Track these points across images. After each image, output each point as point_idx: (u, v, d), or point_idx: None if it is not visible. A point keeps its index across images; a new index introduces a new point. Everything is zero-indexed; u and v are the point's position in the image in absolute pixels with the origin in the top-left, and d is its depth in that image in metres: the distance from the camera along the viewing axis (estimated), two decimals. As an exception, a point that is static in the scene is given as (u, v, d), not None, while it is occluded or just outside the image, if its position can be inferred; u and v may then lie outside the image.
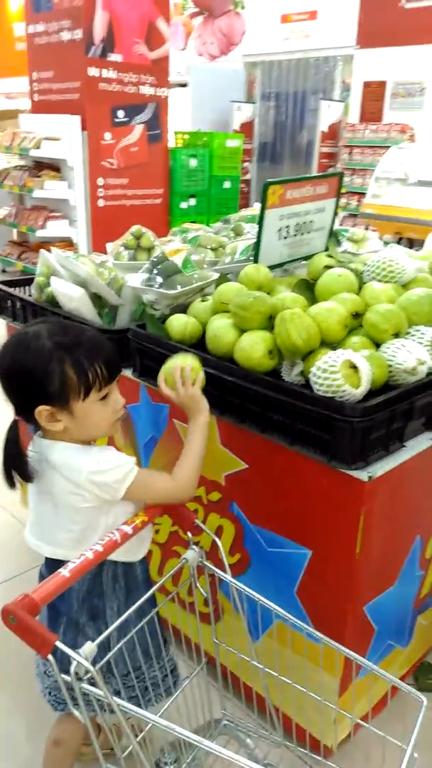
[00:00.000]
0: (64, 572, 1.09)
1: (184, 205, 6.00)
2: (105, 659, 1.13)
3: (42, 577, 1.41)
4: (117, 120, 5.41)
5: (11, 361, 1.23)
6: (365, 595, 1.61)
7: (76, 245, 5.81)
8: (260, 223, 1.91)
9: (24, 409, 1.25)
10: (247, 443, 1.67)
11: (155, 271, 1.92)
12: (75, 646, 1.01)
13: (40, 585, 1.05)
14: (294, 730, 1.67)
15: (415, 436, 1.58)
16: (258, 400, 1.55)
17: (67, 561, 1.12)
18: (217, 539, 1.36)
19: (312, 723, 1.60)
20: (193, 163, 5.96)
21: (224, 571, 1.34)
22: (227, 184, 6.22)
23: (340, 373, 1.36)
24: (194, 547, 1.33)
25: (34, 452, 1.29)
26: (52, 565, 1.14)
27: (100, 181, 5.53)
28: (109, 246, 2.20)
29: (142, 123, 5.56)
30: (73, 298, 1.94)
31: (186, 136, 6.25)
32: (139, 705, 1.24)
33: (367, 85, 6.91)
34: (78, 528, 1.28)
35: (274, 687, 1.42)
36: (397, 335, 1.56)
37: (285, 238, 2.04)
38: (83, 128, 5.24)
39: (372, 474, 1.42)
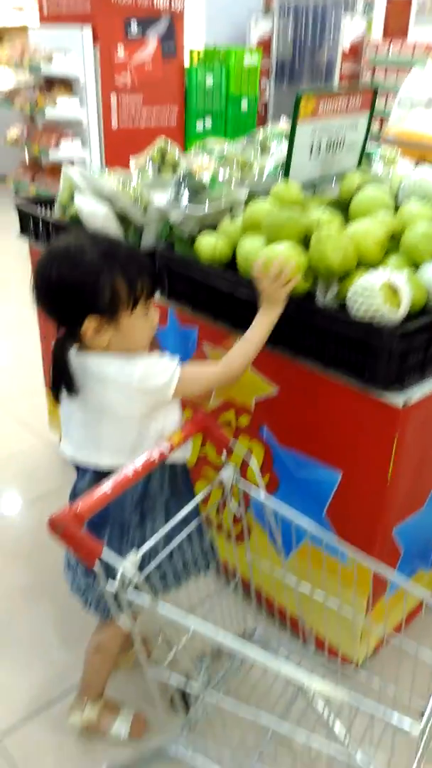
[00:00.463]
0: (106, 488, 1.10)
1: (199, 126, 5.79)
2: (151, 566, 1.15)
3: (75, 493, 1.43)
4: (130, 33, 5.15)
5: (59, 275, 1.21)
6: (394, 518, 1.63)
7: (90, 167, 5.63)
8: (291, 137, 1.83)
9: (70, 323, 1.25)
10: (279, 367, 1.65)
11: (182, 190, 1.86)
12: (120, 553, 1.03)
13: (83, 498, 1.06)
14: (326, 647, 1.73)
15: (450, 362, 1.56)
16: (292, 323, 1.52)
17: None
18: (251, 458, 1.37)
19: (340, 639, 1.65)
20: (209, 81, 5.71)
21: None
22: (244, 105, 5.98)
23: (380, 295, 1.33)
24: (230, 466, 1.34)
25: (74, 367, 1.29)
26: (98, 478, 1.15)
27: (113, 100, 5.33)
28: (133, 162, 2.12)
29: (156, 37, 5.30)
30: (98, 216, 1.89)
31: (201, 54, 5.96)
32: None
33: (391, -1, 6.52)
34: (131, 437, 1.31)
35: (303, 603, 1.45)
36: (436, 257, 1.51)
37: (317, 154, 1.96)
38: (95, 41, 5.00)
39: (407, 399, 1.41)
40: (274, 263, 1.40)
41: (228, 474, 1.33)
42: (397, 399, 1.40)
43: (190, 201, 1.84)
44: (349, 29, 6.63)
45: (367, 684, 1.34)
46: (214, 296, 1.70)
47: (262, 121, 6.95)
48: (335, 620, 1.53)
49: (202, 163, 1.92)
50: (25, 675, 1.84)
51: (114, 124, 5.41)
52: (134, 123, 5.52)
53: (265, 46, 7.24)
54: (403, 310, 1.35)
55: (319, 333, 1.48)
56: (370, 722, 1.27)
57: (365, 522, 1.60)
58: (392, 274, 1.36)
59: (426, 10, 6.33)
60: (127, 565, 1.02)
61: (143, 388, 1.26)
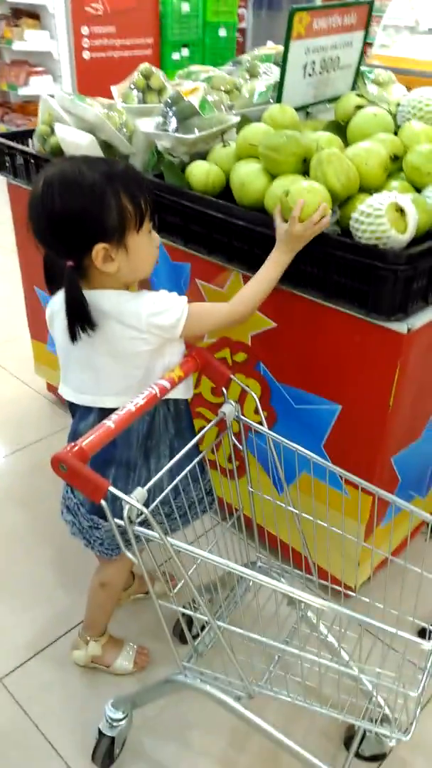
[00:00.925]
0: (109, 423, 1.06)
1: (176, 56, 5.55)
2: (156, 501, 1.14)
3: (76, 434, 1.39)
4: None
5: (62, 202, 1.15)
6: (393, 447, 1.62)
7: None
8: (284, 56, 1.73)
9: (77, 253, 1.18)
10: (275, 301, 1.59)
11: (170, 114, 1.76)
12: (126, 492, 1.00)
13: (87, 435, 1.03)
14: (329, 578, 1.74)
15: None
16: (291, 252, 1.47)
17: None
18: (252, 392, 1.34)
19: (337, 566, 1.66)
20: (185, 7, 5.45)
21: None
22: (223, 32, 5.72)
23: (386, 217, 1.28)
24: (230, 401, 1.31)
25: None
26: (103, 417, 1.11)
27: (85, 30, 5.06)
28: (115, 89, 2.01)
29: (128, -41, 5.01)
30: (81, 146, 1.79)
31: (176, -23, 5.65)
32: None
33: None
34: (139, 372, 1.28)
35: (305, 531, 1.45)
36: (440, 179, 1.46)
37: (310, 75, 1.86)
38: (63, -35, 4.72)
39: (411, 326, 1.38)
40: (301, 203, 1.33)
41: (229, 409, 1.29)
42: (401, 326, 1.37)
43: (179, 126, 1.75)
44: None
45: (369, 605, 1.36)
46: (209, 228, 1.63)
47: (242, 50, 6.68)
48: (335, 548, 1.54)
49: (190, 86, 1.81)
50: (26, 617, 1.84)
51: (86, 56, 5.16)
52: (107, 54, 5.27)
53: (241, -31, 6.88)
54: (409, 234, 1.30)
55: (321, 261, 1.42)
56: (374, 643, 1.28)
57: (364, 452, 1.59)
58: (398, 195, 1.30)
59: None
60: (135, 499, 0.99)
61: (152, 324, 1.22)
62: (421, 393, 1.60)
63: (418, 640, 0.98)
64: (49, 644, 1.77)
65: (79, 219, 1.15)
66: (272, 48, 2.37)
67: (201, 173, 1.63)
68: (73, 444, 1.00)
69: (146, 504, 1.02)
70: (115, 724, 1.41)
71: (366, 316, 1.40)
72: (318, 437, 1.67)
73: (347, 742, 1.51)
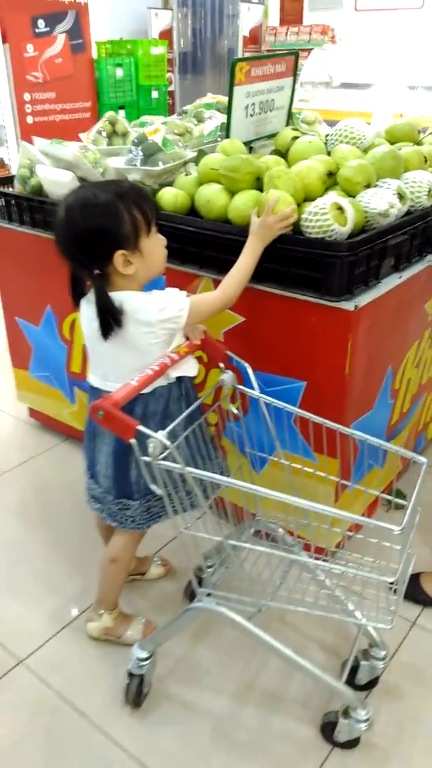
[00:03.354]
0: (133, 382, 1.31)
1: (114, 118, 5.95)
2: (176, 443, 1.36)
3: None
4: (38, 30, 5.27)
5: (84, 222, 1.39)
6: (352, 416, 1.90)
7: (8, 166, 5.72)
8: (229, 100, 2.07)
9: (100, 261, 1.41)
10: (243, 298, 1.87)
11: (137, 152, 2.06)
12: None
13: (117, 390, 1.27)
14: (312, 548, 1.97)
15: (387, 276, 1.84)
16: (254, 253, 1.76)
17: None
18: (245, 364, 1.59)
19: (315, 533, 1.90)
20: (119, 72, 5.89)
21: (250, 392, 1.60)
22: (155, 94, 6.18)
23: (330, 214, 1.59)
24: (228, 371, 1.56)
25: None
26: None
27: (27, 97, 5.42)
28: (83, 135, 2.31)
29: (64, 32, 5.43)
30: (63, 183, 2.06)
31: (108, 46, 6.12)
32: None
33: (284, -14, 6.88)
34: (151, 361, 1.48)
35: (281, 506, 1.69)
36: (368, 186, 1.79)
37: (251, 116, 2.21)
38: (4, 41, 5.09)
39: (357, 304, 1.68)
40: (272, 203, 1.62)
41: (228, 376, 1.55)
42: (349, 305, 1.67)
43: (146, 161, 2.05)
44: (248, 16, 6.94)
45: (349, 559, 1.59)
46: (181, 242, 1.92)
47: (172, 110, 7.17)
48: (314, 515, 1.78)
49: (152, 127, 2.12)
50: (40, 603, 2.01)
51: (30, 120, 5.51)
52: (49, 118, 5.63)
53: (167, 38, 7.45)
54: (349, 226, 1.61)
55: (280, 257, 1.72)
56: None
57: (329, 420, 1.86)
58: (336, 197, 1.62)
59: (317, -3, 6.72)
60: (160, 435, 1.23)
61: (162, 318, 1.45)
62: (370, 365, 1.89)
63: (389, 526, 1.22)
64: (66, 624, 1.94)
65: (100, 233, 1.39)
66: (213, 97, 2.74)
67: (170, 197, 1.92)
68: (107, 395, 1.24)
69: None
70: (142, 663, 1.60)
71: (320, 299, 1.70)
72: (288, 413, 1.93)
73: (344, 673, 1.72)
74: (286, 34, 6.74)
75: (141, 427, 1.22)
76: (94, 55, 5.92)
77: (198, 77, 8.07)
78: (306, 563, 1.52)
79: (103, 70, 5.77)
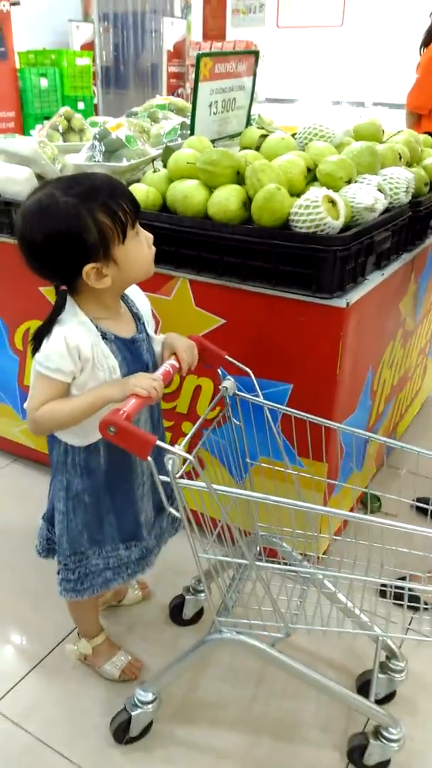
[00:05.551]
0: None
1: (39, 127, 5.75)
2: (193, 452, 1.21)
3: None
4: (-43, 36, 5.04)
5: (40, 231, 1.16)
6: (339, 418, 1.83)
7: None
8: (194, 96, 1.99)
9: (69, 275, 1.21)
10: (223, 299, 1.78)
11: (99, 147, 1.94)
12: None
13: (124, 402, 1.14)
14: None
15: (371, 273, 1.80)
16: (238, 251, 1.67)
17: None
18: (248, 370, 1.46)
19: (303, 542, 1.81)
20: (44, 83, 5.72)
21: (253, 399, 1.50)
22: (81, 106, 6.05)
23: (322, 207, 1.52)
24: (229, 377, 1.45)
25: None
26: None
27: None
28: (35, 132, 2.16)
29: (-15, 39, 5.22)
30: (18, 180, 1.91)
31: (32, 56, 5.94)
32: None
33: (207, 2, 6.91)
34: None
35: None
36: (349, 182, 1.74)
37: (214, 114, 2.14)
38: None
39: (349, 300, 1.61)
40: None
41: (230, 383, 1.43)
42: (341, 302, 1.60)
43: (107, 158, 1.92)
44: (171, 31, 6.93)
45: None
46: (156, 240, 1.80)
47: (98, 123, 7.04)
48: (302, 519, 1.70)
49: (114, 122, 2.00)
50: (2, 645, 1.81)
51: None
52: (-29, 129, 5.39)
53: (89, 51, 7.34)
54: (341, 219, 1.55)
55: (267, 254, 1.64)
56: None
57: (315, 425, 1.78)
58: (328, 190, 1.55)
59: (239, 11, 6.80)
60: (179, 450, 1.10)
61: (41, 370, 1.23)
62: (355, 364, 1.83)
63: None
64: (34, 666, 1.75)
65: (60, 244, 1.16)
66: (165, 98, 2.65)
67: (142, 194, 1.80)
68: (115, 409, 1.10)
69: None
70: (143, 706, 1.45)
71: (311, 297, 1.62)
72: (273, 417, 1.83)
73: (360, 689, 1.63)
74: (210, 49, 6.77)
75: (160, 443, 1.09)
76: (17, 64, 5.73)
77: (121, 91, 7.99)
78: (323, 578, 1.42)
79: (26, 80, 5.59)
